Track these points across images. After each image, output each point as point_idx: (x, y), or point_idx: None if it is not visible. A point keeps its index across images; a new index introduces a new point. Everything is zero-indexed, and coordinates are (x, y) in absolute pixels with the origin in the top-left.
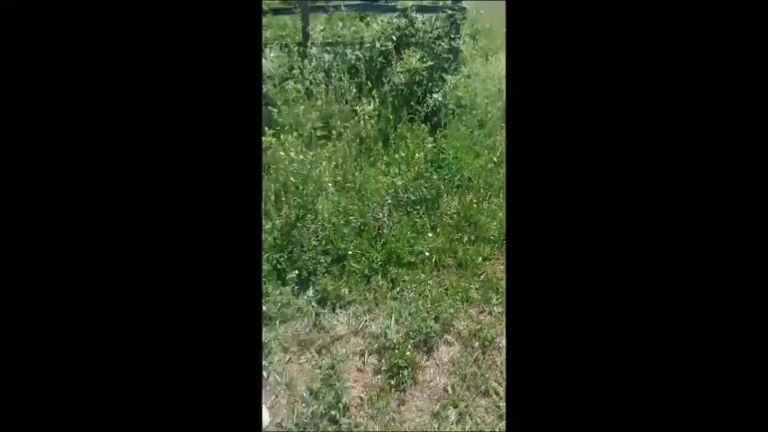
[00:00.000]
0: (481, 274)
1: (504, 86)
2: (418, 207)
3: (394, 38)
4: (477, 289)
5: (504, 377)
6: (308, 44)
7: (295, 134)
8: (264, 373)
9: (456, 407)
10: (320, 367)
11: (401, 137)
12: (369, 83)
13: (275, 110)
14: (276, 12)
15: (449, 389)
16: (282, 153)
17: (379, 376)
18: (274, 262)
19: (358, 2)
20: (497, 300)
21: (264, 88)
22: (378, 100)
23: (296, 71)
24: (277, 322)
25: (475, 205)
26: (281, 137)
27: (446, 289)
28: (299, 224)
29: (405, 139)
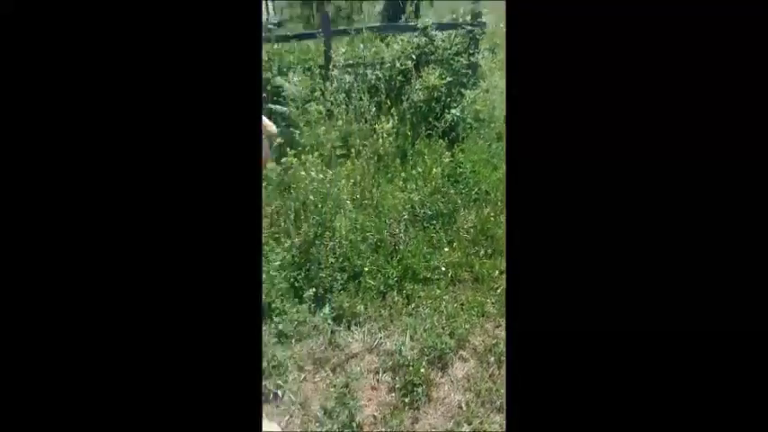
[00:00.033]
0: (498, 288)
1: None
2: (435, 222)
3: (413, 56)
4: (493, 303)
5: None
6: (330, 66)
7: (316, 154)
8: (279, 392)
9: (470, 423)
10: (334, 386)
11: (419, 153)
12: (388, 101)
13: (297, 131)
14: (300, 37)
15: (463, 405)
16: (303, 173)
17: (393, 394)
18: (292, 280)
19: (378, 24)
20: None
21: (287, 110)
22: (396, 118)
23: (317, 93)
24: (293, 341)
25: (492, 218)
26: (302, 157)
27: (462, 304)
28: (317, 242)
29: (422, 154)
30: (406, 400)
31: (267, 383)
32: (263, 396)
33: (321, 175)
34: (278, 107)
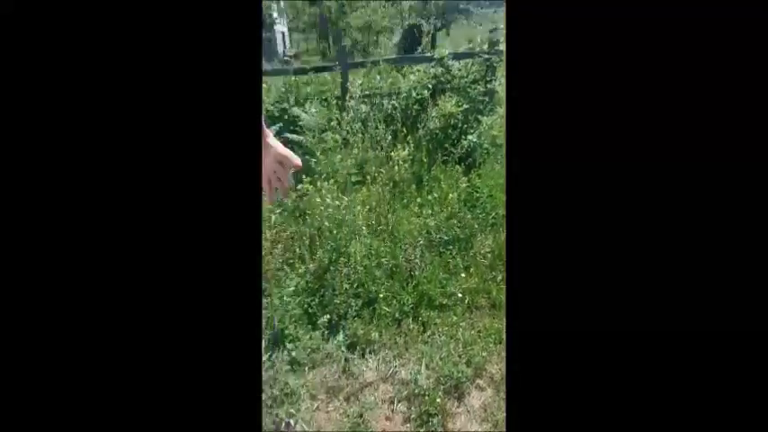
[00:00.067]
0: None
1: None
2: (451, 247)
3: (430, 86)
4: None
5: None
6: (347, 97)
7: (331, 181)
8: (291, 421)
9: None
10: (348, 416)
11: (434, 178)
12: (404, 129)
13: (313, 159)
14: (317, 70)
15: None
16: (318, 199)
17: (408, 425)
18: (306, 306)
19: (395, 56)
20: None
21: (303, 139)
22: (412, 145)
23: (334, 123)
24: (306, 368)
25: None
26: (318, 184)
27: (479, 331)
28: (331, 268)
29: (438, 180)
30: (422, 430)
31: (279, 412)
32: (274, 425)
33: (336, 202)
34: (294, 136)
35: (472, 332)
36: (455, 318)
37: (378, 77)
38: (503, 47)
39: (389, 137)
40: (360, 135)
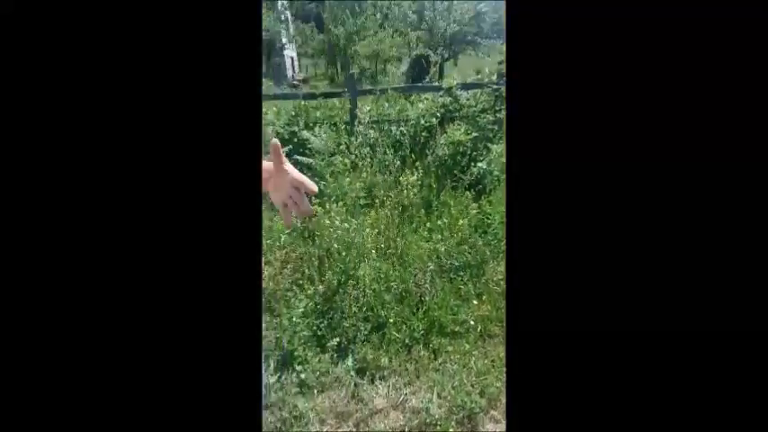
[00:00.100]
0: None
1: None
2: (462, 273)
3: (438, 114)
4: None
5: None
6: (356, 123)
7: (340, 203)
8: None
9: None
10: None
11: (444, 204)
12: (413, 155)
13: (323, 182)
14: (327, 96)
15: None
16: (327, 221)
17: None
18: (315, 327)
19: (403, 84)
20: None
21: (313, 161)
22: (421, 171)
23: (343, 147)
24: (315, 392)
25: None
26: (327, 206)
27: (492, 360)
28: (340, 290)
29: (448, 205)
30: None
31: None
32: None
33: (345, 224)
34: (303, 158)
35: (485, 361)
36: (467, 346)
37: (386, 104)
38: None
39: (398, 162)
40: (368, 159)
